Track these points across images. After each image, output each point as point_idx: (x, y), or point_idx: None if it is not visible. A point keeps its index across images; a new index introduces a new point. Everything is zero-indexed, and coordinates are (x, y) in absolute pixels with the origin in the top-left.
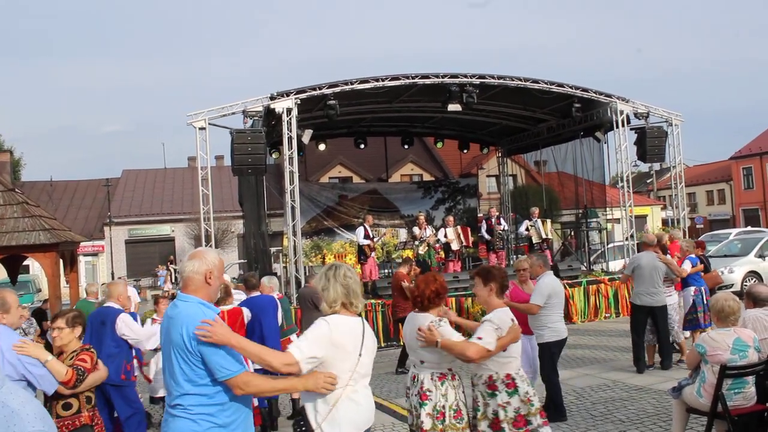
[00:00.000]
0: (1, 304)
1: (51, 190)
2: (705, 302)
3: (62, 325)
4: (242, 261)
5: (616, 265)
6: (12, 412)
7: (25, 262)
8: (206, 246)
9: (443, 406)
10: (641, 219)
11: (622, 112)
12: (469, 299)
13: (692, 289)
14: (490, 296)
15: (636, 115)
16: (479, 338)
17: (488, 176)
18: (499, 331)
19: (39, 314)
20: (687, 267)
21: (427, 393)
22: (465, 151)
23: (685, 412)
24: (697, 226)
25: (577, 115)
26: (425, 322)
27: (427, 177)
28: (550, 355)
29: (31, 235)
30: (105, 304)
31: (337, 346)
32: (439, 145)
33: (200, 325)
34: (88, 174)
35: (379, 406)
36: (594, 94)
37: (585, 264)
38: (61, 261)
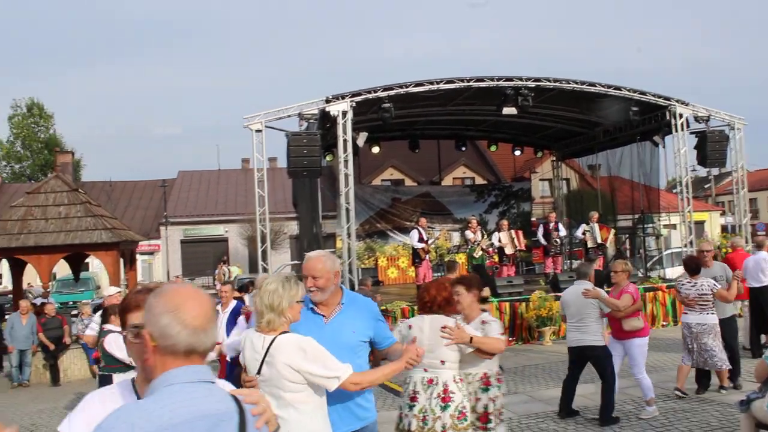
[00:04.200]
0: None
1: (110, 190)
2: None
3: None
4: (295, 262)
5: (674, 272)
6: None
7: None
8: (261, 247)
9: (464, 407)
10: (699, 225)
11: (681, 116)
12: (523, 304)
13: None
14: (473, 302)
15: (696, 118)
16: (501, 334)
17: (541, 180)
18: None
19: (100, 311)
20: None
21: (451, 395)
22: (519, 153)
23: (755, 427)
24: (759, 234)
25: (634, 119)
26: (449, 322)
27: (479, 180)
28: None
29: (94, 234)
30: None
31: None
32: (493, 148)
33: None
34: (145, 175)
35: None
36: (652, 97)
37: (641, 271)
38: (121, 259)
